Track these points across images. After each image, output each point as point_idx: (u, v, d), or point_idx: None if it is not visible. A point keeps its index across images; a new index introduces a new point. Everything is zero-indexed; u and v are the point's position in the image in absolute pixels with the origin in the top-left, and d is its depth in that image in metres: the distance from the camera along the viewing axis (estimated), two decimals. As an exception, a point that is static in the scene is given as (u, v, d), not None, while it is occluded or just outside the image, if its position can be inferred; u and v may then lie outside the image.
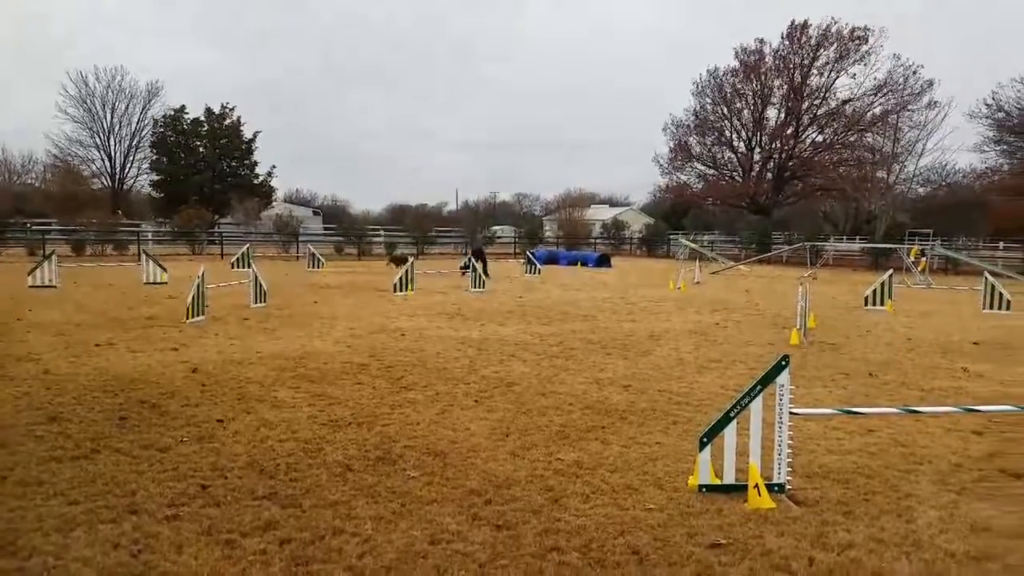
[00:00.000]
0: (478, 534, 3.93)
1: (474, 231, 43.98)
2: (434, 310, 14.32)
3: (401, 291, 17.18)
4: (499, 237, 46.16)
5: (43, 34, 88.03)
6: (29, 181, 50.19)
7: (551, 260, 33.74)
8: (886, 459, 5.37)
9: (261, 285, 14.49)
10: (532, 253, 27.66)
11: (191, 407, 6.47)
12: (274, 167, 51.81)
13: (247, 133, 50.15)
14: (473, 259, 20.23)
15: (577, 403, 6.94)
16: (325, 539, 3.84)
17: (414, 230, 42.29)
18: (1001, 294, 15.93)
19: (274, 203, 52.23)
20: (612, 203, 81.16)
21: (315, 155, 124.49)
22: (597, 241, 48.77)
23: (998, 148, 41.25)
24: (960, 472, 5.12)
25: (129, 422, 5.91)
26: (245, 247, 26.53)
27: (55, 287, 17.04)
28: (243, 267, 23.24)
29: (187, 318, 11.78)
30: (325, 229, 48.74)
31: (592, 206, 68.61)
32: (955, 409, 6.14)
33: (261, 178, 50.96)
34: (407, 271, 17.56)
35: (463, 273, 21.62)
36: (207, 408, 6.46)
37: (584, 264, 32.81)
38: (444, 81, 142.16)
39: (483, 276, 19.33)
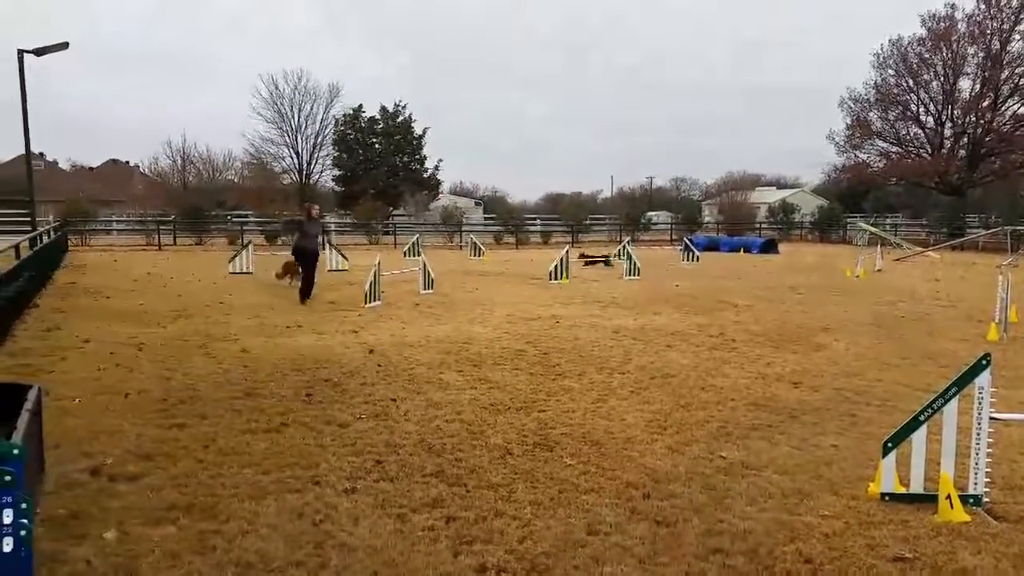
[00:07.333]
0: (637, 528, 3.90)
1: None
2: (589, 298, 14.32)
3: (556, 279, 17.34)
4: (654, 224, 45.14)
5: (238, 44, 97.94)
6: (229, 177, 55.74)
7: (711, 246, 32.48)
8: (1111, 475, 4.64)
9: (429, 273, 15.24)
10: (690, 239, 26.79)
11: (368, 386, 6.96)
12: (440, 160, 54.05)
13: (417, 129, 52.75)
14: None
15: (740, 398, 6.65)
16: (487, 520, 3.98)
17: (568, 219, 42.51)
18: None
19: (440, 195, 54.48)
20: (780, 185, 76.45)
21: (475, 148, 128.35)
22: (762, 226, 46.23)
23: None
24: None
25: (314, 399, 6.47)
26: (415, 237, 28.01)
27: (251, 273, 18.94)
28: (413, 256, 24.51)
29: (365, 303, 12.67)
30: (485, 219, 50.19)
31: (756, 188, 65.09)
32: None
33: (429, 172, 53.38)
34: (563, 259, 17.67)
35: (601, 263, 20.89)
36: (382, 387, 6.92)
37: (747, 250, 31.24)
38: (582, 71, 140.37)
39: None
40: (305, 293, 13.18)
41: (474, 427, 5.70)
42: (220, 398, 6.44)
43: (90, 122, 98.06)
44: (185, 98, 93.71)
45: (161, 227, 33.89)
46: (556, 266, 17.61)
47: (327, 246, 21.48)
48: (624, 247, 20.48)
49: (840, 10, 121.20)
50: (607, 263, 22.31)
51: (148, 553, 3.53)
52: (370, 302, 12.73)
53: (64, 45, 21.53)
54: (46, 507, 3.99)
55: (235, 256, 19.84)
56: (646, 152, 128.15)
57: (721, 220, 46.84)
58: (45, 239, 18.36)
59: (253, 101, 61.58)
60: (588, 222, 43.89)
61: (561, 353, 8.71)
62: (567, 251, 18.32)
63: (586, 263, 22.51)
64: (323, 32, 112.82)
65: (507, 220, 42.31)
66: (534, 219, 46.54)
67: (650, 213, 49.05)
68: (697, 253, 24.35)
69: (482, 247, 27.82)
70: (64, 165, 69.80)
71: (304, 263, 13.42)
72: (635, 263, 18.81)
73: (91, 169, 69.13)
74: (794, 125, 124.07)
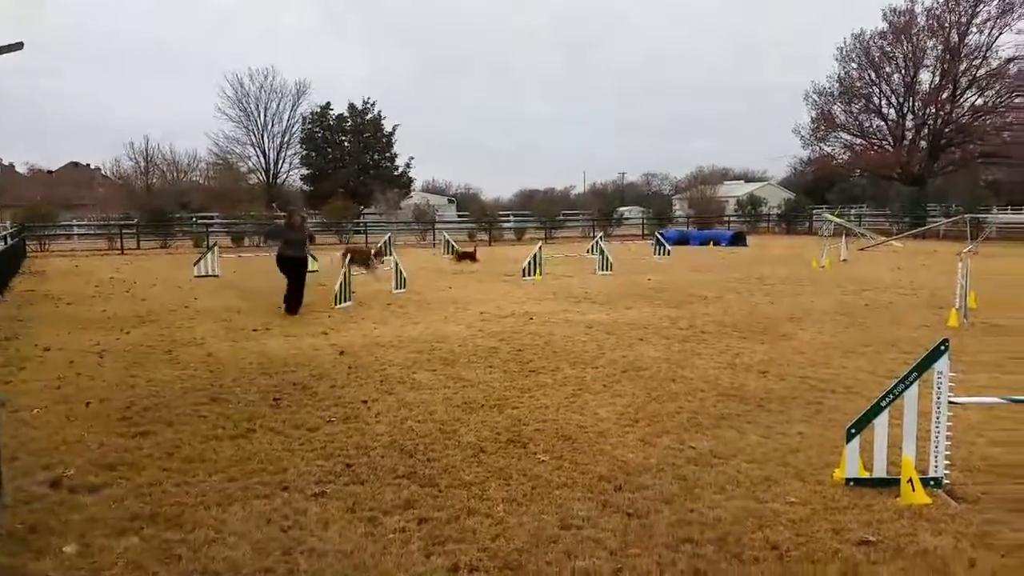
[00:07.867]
0: (609, 521, 3.91)
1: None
2: (561, 294, 14.36)
3: (530, 276, 17.37)
4: (626, 219, 45.41)
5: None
6: (194, 178, 54.21)
7: (681, 240, 32.76)
8: (1068, 455, 4.79)
9: (401, 272, 15.15)
10: (661, 233, 27.02)
11: (338, 388, 6.89)
12: (412, 158, 53.57)
13: (387, 127, 52.15)
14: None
15: (710, 389, 6.72)
16: (460, 519, 3.96)
17: (541, 215, 42.59)
18: None
19: (412, 193, 53.90)
20: (747, 178, 77.46)
21: (448, 144, 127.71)
22: (731, 219, 46.81)
23: None
24: None
25: (282, 403, 6.38)
26: (387, 236, 27.66)
27: (217, 276, 18.64)
28: (386, 255, 24.24)
29: (335, 304, 12.54)
30: (459, 216, 49.90)
31: (725, 182, 65.95)
32: None
33: (400, 169, 52.82)
34: (536, 255, 17.67)
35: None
36: (353, 389, 6.84)
37: (717, 243, 31.63)
38: (561, 66, 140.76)
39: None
40: (293, 305, 11.91)
41: (447, 426, 5.67)
42: (185, 404, 6.32)
43: (48, 124, 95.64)
44: (153, 100, 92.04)
45: (124, 231, 33.17)
46: (529, 262, 17.63)
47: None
48: (597, 242, 20.55)
49: (835, 9, 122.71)
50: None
51: (111, 565, 3.45)
52: (341, 303, 12.61)
53: (19, 45, 20.97)
54: (4, 522, 3.88)
55: (200, 259, 19.52)
56: (624, 151, 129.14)
57: (691, 214, 47.35)
58: (1, 245, 17.87)
59: (219, 101, 60.30)
60: (561, 218, 44.04)
61: (534, 349, 8.72)
62: (540, 247, 18.34)
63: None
64: (321, 32, 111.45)
65: (480, 217, 42.25)
66: (507, 216, 46.49)
67: (622, 208, 49.34)
68: (668, 247, 24.55)
69: (456, 245, 27.66)
70: (21, 168, 68.00)
71: (289, 273, 12.13)
72: (607, 258, 18.90)
73: (50, 172, 67.36)
74: (765, 122, 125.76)
